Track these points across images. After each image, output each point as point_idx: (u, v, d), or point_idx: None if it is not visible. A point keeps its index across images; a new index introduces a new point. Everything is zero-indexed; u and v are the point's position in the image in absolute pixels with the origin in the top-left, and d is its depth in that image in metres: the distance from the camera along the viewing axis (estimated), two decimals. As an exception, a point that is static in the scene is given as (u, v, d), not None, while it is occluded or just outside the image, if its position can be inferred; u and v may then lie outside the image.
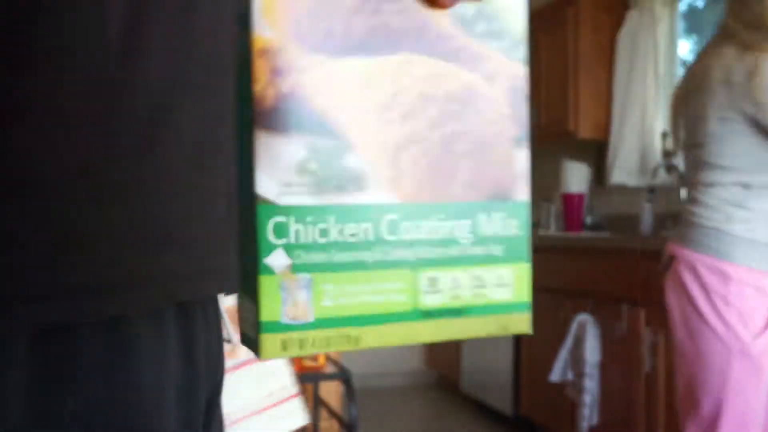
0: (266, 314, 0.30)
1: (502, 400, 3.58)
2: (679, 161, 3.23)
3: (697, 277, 1.69)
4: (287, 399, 1.45)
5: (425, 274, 0.32)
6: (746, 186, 1.65)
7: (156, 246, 0.51)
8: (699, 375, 1.71)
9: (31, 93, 0.47)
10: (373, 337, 0.32)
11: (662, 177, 3.25)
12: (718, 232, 1.67)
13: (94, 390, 0.49)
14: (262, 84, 0.29)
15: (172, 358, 0.55)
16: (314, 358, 1.56)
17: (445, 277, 0.33)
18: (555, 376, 2.77)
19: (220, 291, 0.58)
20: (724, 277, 1.65)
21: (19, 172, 0.46)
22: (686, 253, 1.71)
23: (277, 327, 0.30)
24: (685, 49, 3.54)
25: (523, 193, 0.34)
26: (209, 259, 0.56)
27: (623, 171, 3.37)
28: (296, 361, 1.58)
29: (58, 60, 0.47)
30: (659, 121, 3.40)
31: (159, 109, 0.51)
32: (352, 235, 0.31)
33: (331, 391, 1.84)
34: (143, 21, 0.50)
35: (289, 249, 0.30)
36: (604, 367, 2.68)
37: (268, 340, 0.30)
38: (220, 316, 0.67)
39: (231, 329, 1.60)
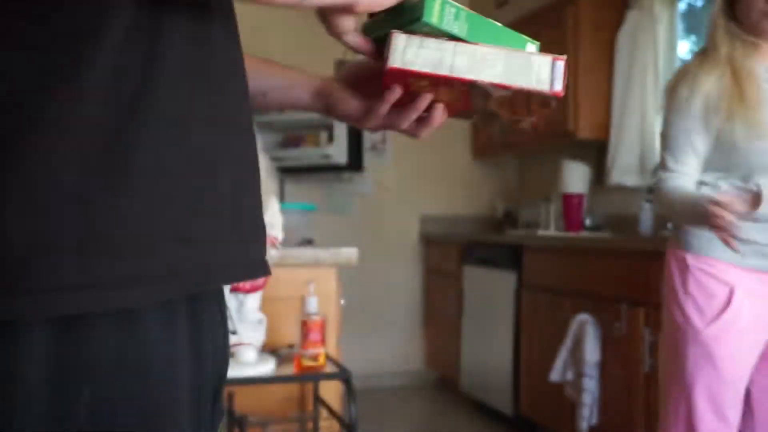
0: None
1: (501, 399, 3.58)
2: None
3: (669, 270, 1.75)
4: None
5: None
6: (701, 183, 1.72)
7: (165, 240, 0.54)
8: (666, 365, 1.75)
9: (54, 104, 0.50)
10: None
11: (662, 177, 3.25)
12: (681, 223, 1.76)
13: (108, 381, 0.52)
14: None
15: (182, 350, 0.57)
16: (315, 357, 1.57)
17: None
18: (555, 376, 2.78)
19: (227, 282, 0.62)
20: (685, 266, 1.70)
21: (33, 174, 0.49)
22: (667, 250, 1.78)
23: None
24: (685, 49, 3.55)
25: None
26: (216, 253, 0.59)
27: (623, 171, 3.37)
28: (296, 361, 1.58)
29: (80, 72, 0.51)
30: (659, 121, 3.40)
31: (172, 115, 0.56)
32: None
33: (331, 391, 1.84)
34: (162, 34, 0.55)
35: None
36: (603, 367, 2.69)
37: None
38: (226, 309, 0.69)
39: (236, 322, 1.60)
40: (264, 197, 1.59)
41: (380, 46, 0.85)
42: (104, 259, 0.51)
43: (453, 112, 0.89)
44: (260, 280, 1.58)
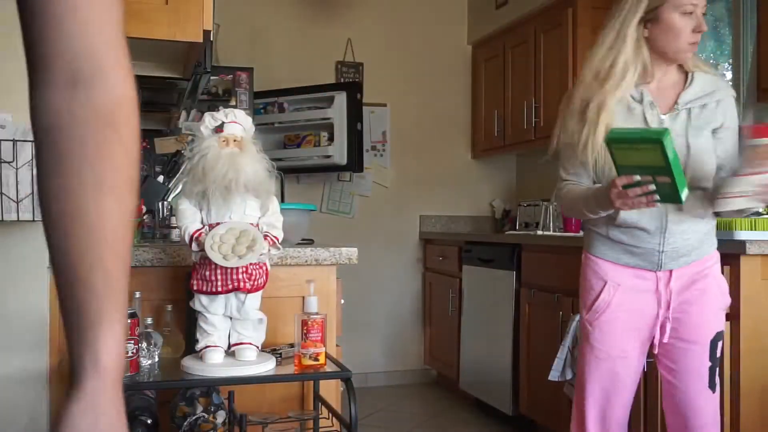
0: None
1: (501, 398, 3.59)
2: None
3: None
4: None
5: None
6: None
7: None
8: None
9: None
10: None
11: (660, 177, 3.25)
12: (584, 225, 2.04)
13: None
14: None
15: None
16: (315, 357, 1.57)
17: None
18: (553, 375, 2.78)
19: None
20: (581, 263, 1.99)
21: None
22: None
23: None
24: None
25: None
26: None
27: (622, 171, 3.38)
28: (296, 361, 1.59)
29: None
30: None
31: None
32: None
33: (331, 390, 1.85)
34: None
35: None
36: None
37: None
38: None
39: (236, 321, 1.61)
40: (264, 197, 1.60)
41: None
42: None
43: None
44: (261, 280, 1.59)
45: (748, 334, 2.25)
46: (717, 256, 1.94)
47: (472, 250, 3.96)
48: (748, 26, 3.07)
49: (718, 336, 1.90)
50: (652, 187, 1.65)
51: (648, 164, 1.62)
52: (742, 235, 2.30)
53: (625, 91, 1.83)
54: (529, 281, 3.39)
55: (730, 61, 3.27)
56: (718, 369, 1.90)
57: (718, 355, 1.90)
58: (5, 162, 1.47)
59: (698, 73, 1.89)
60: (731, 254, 2.21)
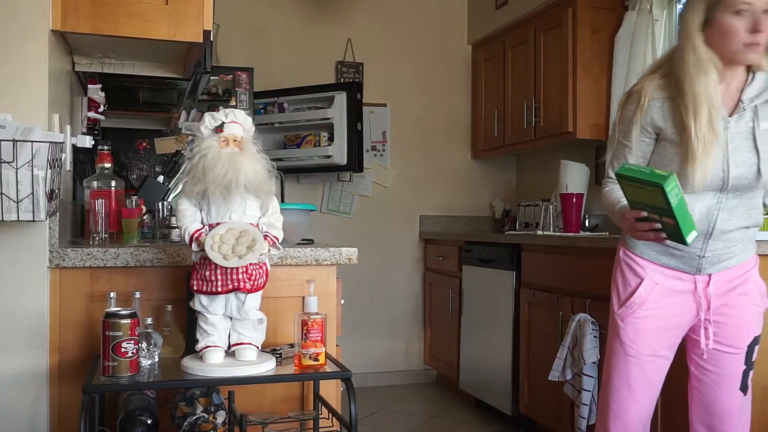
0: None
1: (501, 398, 3.59)
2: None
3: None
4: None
5: None
6: None
7: None
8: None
9: None
10: None
11: (660, 177, 3.25)
12: None
13: None
14: None
15: None
16: (315, 357, 1.57)
17: None
18: (554, 375, 2.79)
19: None
20: (617, 258, 1.98)
21: None
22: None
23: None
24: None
25: None
26: None
27: (622, 171, 3.38)
28: (297, 361, 1.59)
29: None
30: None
31: None
32: None
33: (331, 390, 1.85)
34: None
35: None
36: (602, 366, 2.69)
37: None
38: None
39: (236, 321, 1.61)
40: (264, 197, 1.60)
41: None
42: None
43: None
44: (261, 280, 1.59)
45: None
46: (756, 259, 1.93)
47: (472, 250, 3.96)
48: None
49: (756, 340, 1.90)
50: (658, 225, 1.68)
51: (654, 204, 1.64)
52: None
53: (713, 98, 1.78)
54: (529, 281, 3.39)
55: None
56: (751, 372, 1.90)
57: (753, 358, 1.90)
58: (5, 162, 1.47)
59: (760, 72, 1.84)
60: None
